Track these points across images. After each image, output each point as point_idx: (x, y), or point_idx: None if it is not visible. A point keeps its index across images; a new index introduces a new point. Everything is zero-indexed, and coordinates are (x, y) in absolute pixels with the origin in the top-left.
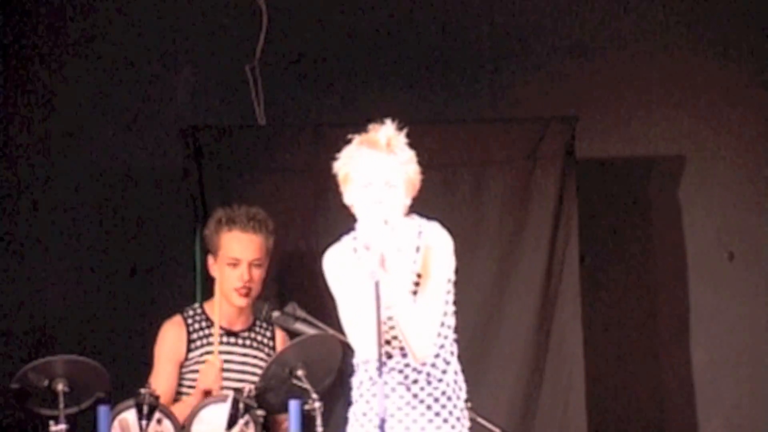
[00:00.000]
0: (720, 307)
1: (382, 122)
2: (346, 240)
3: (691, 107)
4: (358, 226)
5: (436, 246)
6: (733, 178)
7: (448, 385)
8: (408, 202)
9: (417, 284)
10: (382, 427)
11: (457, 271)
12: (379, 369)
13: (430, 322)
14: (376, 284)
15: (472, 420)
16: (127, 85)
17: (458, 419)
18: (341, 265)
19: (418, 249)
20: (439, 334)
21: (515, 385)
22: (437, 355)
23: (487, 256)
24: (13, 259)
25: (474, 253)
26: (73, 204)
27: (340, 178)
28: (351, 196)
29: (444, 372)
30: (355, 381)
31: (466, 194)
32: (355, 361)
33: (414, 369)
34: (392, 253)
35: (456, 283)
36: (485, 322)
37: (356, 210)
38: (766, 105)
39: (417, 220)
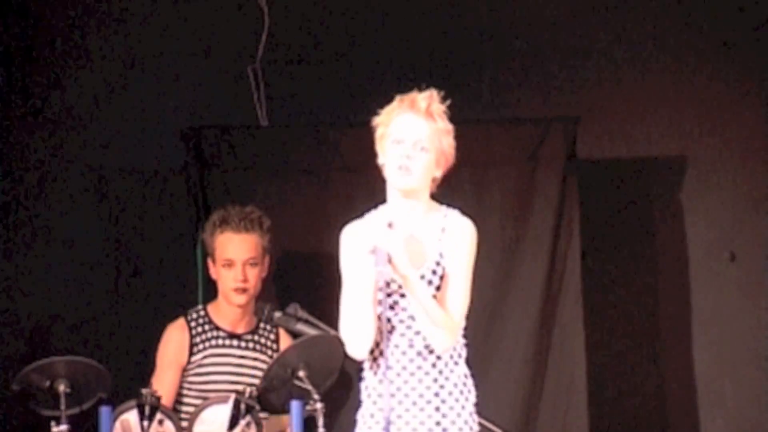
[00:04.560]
0: (722, 307)
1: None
2: (368, 216)
3: (692, 108)
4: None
5: (460, 233)
6: (735, 179)
7: (455, 385)
8: (438, 174)
9: (434, 272)
10: (387, 428)
11: None
12: (385, 368)
13: (457, 307)
14: (386, 283)
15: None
16: (130, 86)
17: (465, 422)
18: (354, 241)
19: (442, 232)
20: None
21: (517, 385)
22: (441, 357)
23: (488, 257)
24: (14, 259)
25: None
26: (76, 205)
27: (377, 134)
28: (383, 154)
29: (451, 371)
30: (363, 383)
31: (467, 195)
32: (365, 362)
33: (419, 367)
34: (402, 252)
35: None
36: (487, 322)
37: (385, 172)
38: None
39: (441, 207)
